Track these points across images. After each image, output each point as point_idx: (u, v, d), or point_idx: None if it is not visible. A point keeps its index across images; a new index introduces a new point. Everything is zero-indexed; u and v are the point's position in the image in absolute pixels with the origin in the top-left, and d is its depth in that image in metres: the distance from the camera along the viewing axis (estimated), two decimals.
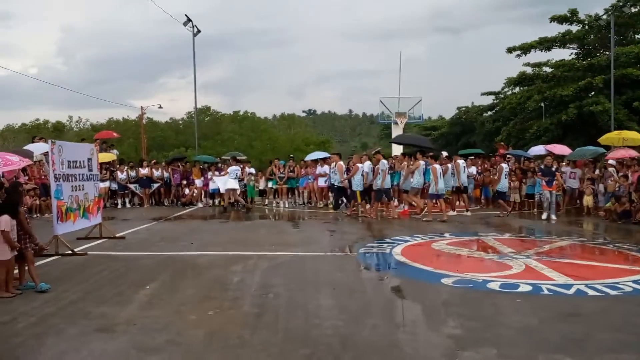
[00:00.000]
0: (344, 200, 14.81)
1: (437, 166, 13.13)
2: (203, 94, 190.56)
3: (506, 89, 39.26)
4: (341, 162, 14.46)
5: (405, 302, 5.67)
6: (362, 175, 13.30)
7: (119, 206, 16.95)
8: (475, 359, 3.94)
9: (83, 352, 4.09)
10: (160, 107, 45.19)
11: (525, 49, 32.90)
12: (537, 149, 19.03)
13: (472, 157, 17.69)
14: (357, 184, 13.34)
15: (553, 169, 13.96)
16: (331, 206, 15.77)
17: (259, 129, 53.22)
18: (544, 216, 12.97)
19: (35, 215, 12.99)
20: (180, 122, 56.18)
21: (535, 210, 14.68)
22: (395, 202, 14.74)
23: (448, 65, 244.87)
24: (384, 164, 13.26)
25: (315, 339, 4.37)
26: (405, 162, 14.82)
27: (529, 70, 34.37)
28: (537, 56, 33.52)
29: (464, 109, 52.65)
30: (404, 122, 33.87)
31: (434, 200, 13.21)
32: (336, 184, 14.32)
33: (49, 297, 5.74)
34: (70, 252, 8.10)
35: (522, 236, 10.39)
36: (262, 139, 49.48)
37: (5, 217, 5.81)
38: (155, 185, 17.72)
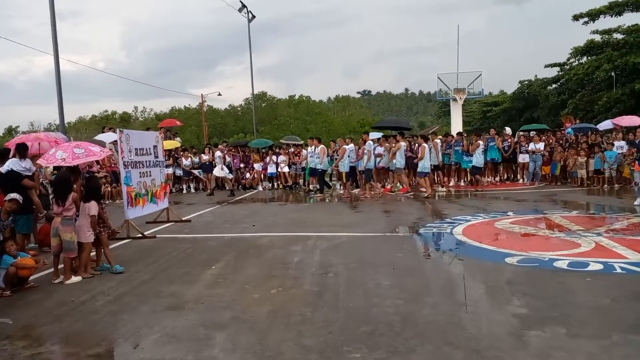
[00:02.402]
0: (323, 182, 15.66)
1: (425, 145, 13.87)
2: (259, 79, 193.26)
3: (572, 60, 37.01)
4: (322, 146, 15.31)
5: (467, 282, 5.57)
6: (348, 156, 14.53)
7: (184, 191, 17.64)
8: (543, 338, 3.84)
9: (155, 328, 4.34)
10: (220, 94, 46.31)
11: (593, 15, 30.86)
12: (605, 124, 17.96)
13: (537, 133, 16.96)
14: (344, 166, 14.49)
15: None
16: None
17: (314, 112, 53.51)
18: (637, 202, 10.61)
19: (107, 202, 13.76)
20: (239, 108, 57.44)
21: (607, 186, 13.91)
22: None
23: (509, 37, 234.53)
24: (369, 144, 14.33)
25: (375, 316, 4.40)
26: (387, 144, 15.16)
27: (597, 37, 32.25)
28: (606, 22, 31.51)
29: (526, 82, 50.22)
30: (463, 99, 32.80)
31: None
32: (318, 167, 15.12)
33: (123, 277, 6.11)
34: (140, 235, 8.55)
35: (591, 213, 9.90)
36: (317, 122, 49.74)
37: (94, 203, 6.22)
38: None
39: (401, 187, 14.72)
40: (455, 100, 32.46)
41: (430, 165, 14.26)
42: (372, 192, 14.14)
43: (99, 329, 4.43)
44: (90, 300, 5.23)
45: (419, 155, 13.79)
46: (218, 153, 16.77)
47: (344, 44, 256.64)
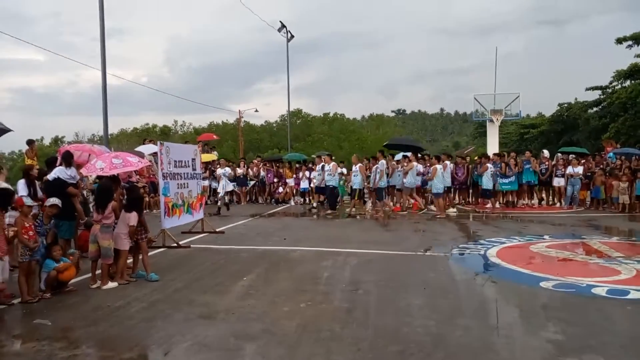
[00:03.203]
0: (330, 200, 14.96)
1: (437, 166, 13.87)
2: (295, 97, 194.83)
3: (615, 83, 36.06)
4: (334, 163, 14.96)
5: (500, 305, 5.46)
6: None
7: (218, 203, 17.89)
8: None
9: (187, 336, 4.42)
10: (256, 110, 47.13)
11: (637, 38, 30.08)
12: None
13: (575, 157, 16.52)
14: (358, 183, 14.23)
15: None
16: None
17: (347, 129, 53.67)
18: None
19: (145, 211, 14.10)
20: (274, 124, 58.21)
21: None
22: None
23: (549, 60, 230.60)
24: (382, 163, 14.05)
25: (405, 336, 4.36)
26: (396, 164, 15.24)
27: None
28: None
29: (565, 105, 49.13)
30: (500, 120, 32.17)
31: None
32: (330, 184, 14.57)
33: (157, 284, 6.25)
34: (175, 244, 8.73)
35: (633, 240, 9.54)
36: (351, 140, 49.84)
37: (135, 214, 6.44)
38: (251, 183, 18.60)
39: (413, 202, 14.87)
40: (491, 121, 31.91)
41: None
42: (382, 211, 13.94)
43: (133, 334, 4.54)
44: (125, 306, 5.37)
45: (430, 175, 14.02)
46: (222, 170, 15.64)
47: (380, 64, 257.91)
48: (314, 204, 15.73)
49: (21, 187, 7.33)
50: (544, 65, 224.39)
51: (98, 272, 6.30)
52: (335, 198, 15.07)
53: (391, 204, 15.24)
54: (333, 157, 15.77)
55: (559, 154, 17.21)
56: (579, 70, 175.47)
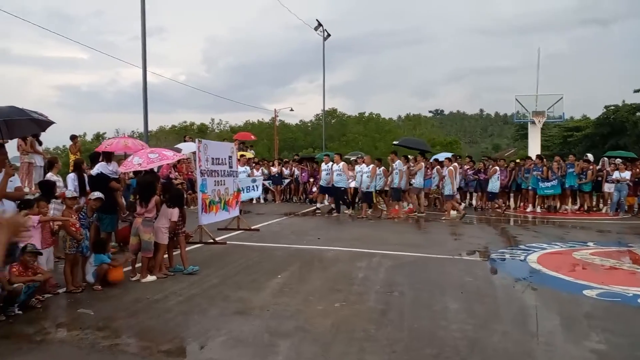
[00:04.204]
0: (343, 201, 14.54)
1: (452, 169, 13.66)
2: (330, 96, 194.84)
3: None
4: (344, 162, 14.35)
5: (540, 312, 5.30)
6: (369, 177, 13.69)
7: (254, 201, 18.11)
8: None
9: (223, 331, 4.48)
10: (292, 110, 47.45)
11: None
12: None
13: (622, 161, 15.88)
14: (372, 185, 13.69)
15: None
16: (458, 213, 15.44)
17: (383, 130, 53.37)
18: None
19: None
20: (309, 124, 58.47)
21: None
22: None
23: (595, 60, 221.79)
24: (399, 164, 13.68)
25: (441, 339, 4.29)
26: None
27: None
28: None
29: (612, 107, 47.32)
30: (542, 122, 31.34)
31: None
32: (339, 185, 14.01)
33: (194, 279, 6.36)
34: (212, 240, 8.88)
35: None
36: (387, 140, 49.43)
37: (177, 210, 6.62)
38: (286, 182, 18.71)
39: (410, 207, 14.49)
40: (533, 123, 31.10)
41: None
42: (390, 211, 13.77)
43: (171, 327, 4.64)
44: (164, 299, 5.49)
45: (447, 177, 13.65)
46: (242, 169, 14.77)
47: (418, 63, 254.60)
48: (318, 205, 15.05)
49: (70, 181, 7.60)
50: (588, 65, 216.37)
51: (138, 265, 6.47)
52: (344, 199, 14.56)
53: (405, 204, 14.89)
54: (362, 158, 15.37)
55: (605, 159, 16.59)
56: (627, 71, 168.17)
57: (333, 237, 9.91)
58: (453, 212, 13.95)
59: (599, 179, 15.40)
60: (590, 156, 16.83)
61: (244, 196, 12.89)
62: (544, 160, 16.23)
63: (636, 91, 39.02)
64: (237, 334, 4.42)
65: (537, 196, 15.65)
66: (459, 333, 4.45)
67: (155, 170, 11.64)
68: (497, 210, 15.10)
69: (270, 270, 6.87)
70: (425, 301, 5.47)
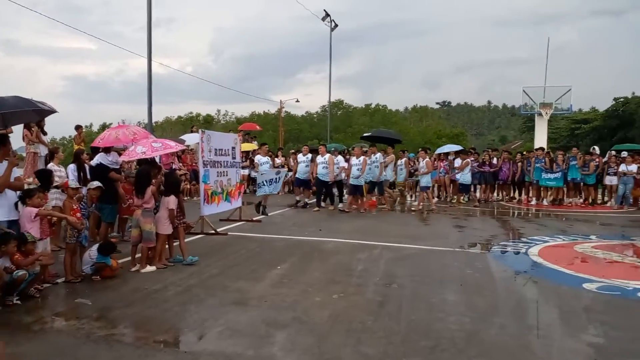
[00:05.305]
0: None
1: (428, 160, 13.76)
2: (337, 87, 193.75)
3: None
4: (330, 155, 13.33)
5: (539, 305, 5.27)
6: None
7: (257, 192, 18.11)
8: None
9: (220, 321, 4.48)
10: (297, 101, 47.22)
11: None
12: None
13: (630, 154, 15.73)
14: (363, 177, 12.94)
15: None
16: (465, 201, 15.48)
17: (389, 121, 53.15)
18: None
19: (185, 198, 14.44)
20: (315, 115, 58.33)
21: None
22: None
23: (605, 52, 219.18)
24: (380, 156, 13.39)
25: (438, 332, 4.27)
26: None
27: None
28: None
29: (622, 100, 46.85)
30: (550, 114, 31.08)
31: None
32: (326, 178, 13.00)
33: (193, 269, 6.37)
34: (213, 231, 8.89)
35: None
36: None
37: (173, 198, 6.61)
38: (290, 174, 18.65)
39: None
40: (540, 115, 30.86)
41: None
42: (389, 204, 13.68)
43: (168, 317, 4.65)
44: (162, 290, 5.50)
45: (426, 170, 13.46)
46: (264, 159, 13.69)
47: (426, 54, 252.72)
48: (298, 198, 13.99)
49: (70, 171, 7.62)
50: (599, 57, 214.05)
51: (137, 255, 6.48)
52: (330, 193, 13.58)
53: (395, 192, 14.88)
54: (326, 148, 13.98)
55: (612, 152, 16.44)
56: (638, 62, 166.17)
57: (335, 229, 9.90)
58: (416, 203, 14.10)
59: (607, 172, 15.27)
60: (596, 149, 16.71)
61: (264, 190, 11.89)
62: (548, 152, 16.15)
63: None
64: (234, 325, 4.42)
65: (541, 188, 15.58)
66: (456, 325, 4.43)
67: (157, 161, 11.72)
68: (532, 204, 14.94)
69: (270, 261, 6.87)
70: (424, 293, 5.45)
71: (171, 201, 6.54)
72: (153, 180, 6.67)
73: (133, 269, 6.32)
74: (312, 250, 7.82)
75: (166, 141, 8.00)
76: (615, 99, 47.63)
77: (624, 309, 5.01)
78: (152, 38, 17.00)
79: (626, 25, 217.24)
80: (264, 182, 11.92)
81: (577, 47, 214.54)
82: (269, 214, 11.62)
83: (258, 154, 15.44)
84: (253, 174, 18.28)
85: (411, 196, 16.79)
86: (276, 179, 12.13)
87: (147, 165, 7.15)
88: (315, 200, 13.67)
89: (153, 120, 18.48)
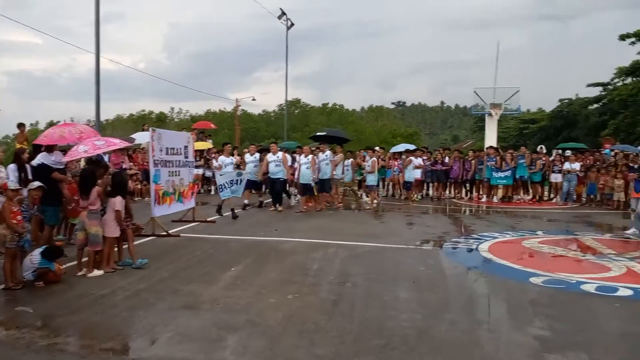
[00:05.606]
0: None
1: (374, 159, 14.08)
2: (294, 86, 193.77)
3: (616, 80, 36.01)
4: (283, 153, 13.17)
5: (489, 300, 5.43)
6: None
7: (212, 192, 17.80)
8: None
9: (170, 326, 4.35)
10: (254, 99, 46.97)
11: None
12: None
13: (573, 152, 16.46)
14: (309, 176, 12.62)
15: None
16: (419, 199, 15.80)
17: (346, 120, 53.55)
18: (630, 232, 9.57)
19: (137, 199, 14.03)
20: (272, 114, 58.00)
21: None
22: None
23: (551, 55, 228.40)
24: (329, 154, 13.24)
25: (390, 329, 4.31)
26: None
27: None
28: None
29: (566, 101, 49.07)
30: (499, 114, 32.08)
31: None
32: (279, 176, 12.67)
33: (143, 273, 6.18)
34: (165, 233, 8.66)
35: (626, 237, 9.50)
36: (349, 131, 49.57)
37: (119, 198, 6.36)
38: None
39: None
40: (490, 115, 31.79)
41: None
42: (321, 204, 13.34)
43: (115, 323, 4.48)
44: (110, 295, 5.30)
45: (371, 169, 13.70)
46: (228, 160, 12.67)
47: (381, 55, 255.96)
48: (246, 201, 13.17)
49: (10, 172, 7.22)
50: (546, 60, 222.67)
51: (84, 259, 6.22)
52: (281, 192, 13.17)
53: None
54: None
55: (559, 150, 17.15)
56: (581, 66, 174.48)
57: (291, 229, 9.85)
58: (366, 198, 14.36)
59: (552, 170, 15.91)
60: (543, 148, 17.38)
61: (227, 193, 11.34)
62: (498, 151, 16.68)
63: (589, 85, 40.48)
64: (185, 329, 4.31)
65: (491, 186, 16.07)
66: (408, 323, 4.48)
67: (106, 160, 11.32)
68: (410, 200, 15.62)
69: (224, 263, 6.75)
70: (377, 291, 5.50)
71: (117, 202, 6.31)
72: (99, 181, 6.43)
73: (79, 274, 6.06)
74: (267, 250, 7.74)
75: (110, 139, 7.72)
76: (560, 100, 49.88)
77: (568, 302, 5.21)
78: (100, 33, 16.40)
79: (572, 30, 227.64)
80: (226, 184, 11.48)
81: (525, 50, 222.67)
82: (224, 215, 11.43)
83: (215, 153, 15.11)
84: (207, 173, 18.00)
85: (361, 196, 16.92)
86: (238, 180, 11.66)
87: (92, 165, 6.88)
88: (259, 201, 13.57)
89: (104, 119, 17.87)
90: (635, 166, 10.71)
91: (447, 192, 17.13)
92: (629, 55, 33.41)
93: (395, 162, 16.56)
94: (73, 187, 7.36)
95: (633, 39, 30.09)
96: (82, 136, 7.44)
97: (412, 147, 18.39)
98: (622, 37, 30.40)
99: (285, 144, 20.55)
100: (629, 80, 34.02)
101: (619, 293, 5.44)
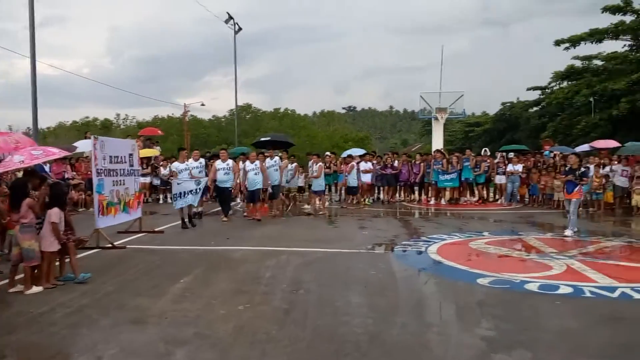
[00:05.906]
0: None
1: (321, 164, 14.06)
2: (245, 91, 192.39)
3: (553, 84, 37.90)
4: (231, 160, 12.83)
5: (438, 302, 5.53)
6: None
7: (161, 201, 17.35)
8: None
9: (113, 343, 4.17)
10: (203, 104, 46.20)
11: (574, 41, 31.52)
12: (582, 148, 18.32)
13: (516, 154, 17.13)
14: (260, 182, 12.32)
15: (582, 170, 10.46)
16: (369, 203, 16.00)
17: (298, 125, 53.54)
18: (567, 232, 9.83)
19: (80, 209, 13.47)
20: (223, 119, 57.22)
21: (581, 209, 14.05)
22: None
23: (494, 60, 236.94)
24: (277, 160, 13.16)
25: (342, 335, 4.31)
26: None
27: (577, 63, 33.07)
28: (587, 49, 32.08)
29: (508, 104, 51.23)
30: (445, 118, 33.10)
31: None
32: (227, 185, 12.33)
33: (86, 288, 5.90)
34: (110, 245, 8.33)
35: (565, 236, 9.96)
36: (301, 136, 49.67)
37: (56, 210, 6.04)
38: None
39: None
40: (437, 119, 32.74)
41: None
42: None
43: (55, 342, 4.25)
44: (49, 312, 5.04)
45: (317, 174, 13.56)
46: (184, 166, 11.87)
47: (331, 60, 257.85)
48: (200, 209, 12.80)
49: None
50: (489, 65, 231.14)
51: (20, 276, 5.88)
52: (229, 202, 12.86)
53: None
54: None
55: (503, 153, 17.80)
56: (523, 70, 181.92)
57: (243, 237, 9.71)
58: (308, 206, 14.28)
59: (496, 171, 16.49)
60: (487, 151, 18.02)
61: (180, 203, 10.97)
62: (445, 154, 17.15)
63: (529, 89, 42.37)
64: (130, 345, 4.15)
65: (439, 189, 16.48)
66: (360, 328, 4.50)
67: (47, 170, 10.81)
68: (355, 204, 15.90)
69: (173, 275, 6.55)
70: (329, 298, 5.49)
71: (53, 214, 5.99)
72: (36, 192, 6.10)
73: (11, 290, 5.72)
74: (218, 260, 7.59)
75: (48, 148, 7.37)
76: (503, 104, 52.00)
77: (513, 302, 5.38)
78: (39, 37, 15.69)
79: (513, 35, 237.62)
80: (181, 194, 11.03)
81: (469, 55, 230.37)
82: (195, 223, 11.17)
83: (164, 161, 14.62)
84: (155, 181, 17.52)
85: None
86: (196, 189, 11.20)
87: (23, 177, 6.52)
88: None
89: (45, 126, 17.11)
90: (567, 168, 11.10)
91: (398, 195, 17.43)
92: (565, 60, 35.32)
93: (347, 167, 16.71)
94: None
95: (567, 45, 31.70)
96: (19, 146, 7.06)
97: (360, 151, 18.65)
98: (557, 43, 31.98)
99: (236, 150, 20.32)
100: (565, 84, 35.84)
101: (559, 291, 5.67)
